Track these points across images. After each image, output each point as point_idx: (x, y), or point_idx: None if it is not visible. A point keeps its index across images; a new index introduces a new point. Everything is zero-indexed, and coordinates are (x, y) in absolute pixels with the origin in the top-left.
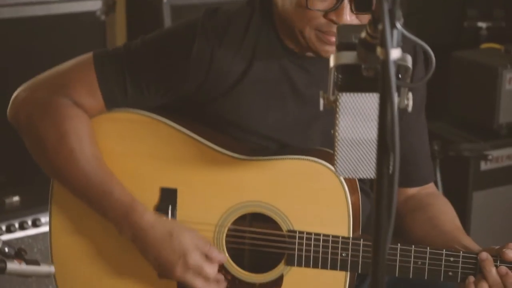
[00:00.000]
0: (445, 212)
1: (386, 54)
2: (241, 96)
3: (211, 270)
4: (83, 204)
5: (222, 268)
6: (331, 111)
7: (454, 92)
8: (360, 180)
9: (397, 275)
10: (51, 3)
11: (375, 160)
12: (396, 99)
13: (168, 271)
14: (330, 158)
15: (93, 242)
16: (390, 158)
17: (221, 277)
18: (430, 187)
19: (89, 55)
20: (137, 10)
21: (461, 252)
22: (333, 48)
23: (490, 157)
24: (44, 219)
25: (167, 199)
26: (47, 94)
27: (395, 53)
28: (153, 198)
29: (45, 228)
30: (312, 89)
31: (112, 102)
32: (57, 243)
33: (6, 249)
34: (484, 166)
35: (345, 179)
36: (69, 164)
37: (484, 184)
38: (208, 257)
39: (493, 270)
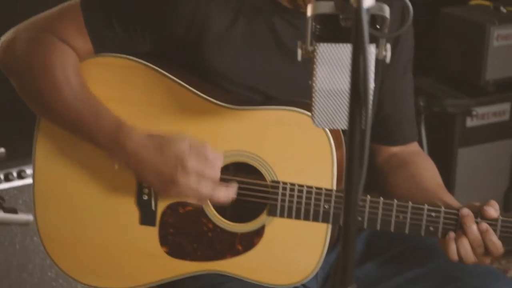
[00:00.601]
0: (427, 169)
1: (359, 1)
2: (227, 48)
3: (213, 171)
4: (67, 147)
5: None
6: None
7: (442, 48)
8: (345, 134)
9: (378, 228)
10: None
11: None
12: (373, 49)
13: (170, 185)
14: None
15: (75, 187)
16: (362, 108)
17: (232, 183)
18: (413, 146)
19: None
20: None
21: (443, 207)
22: None
23: (474, 113)
24: (29, 170)
25: None
26: (33, 32)
27: (368, 1)
28: None
29: (30, 180)
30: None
31: (100, 46)
32: (39, 188)
33: None
34: (470, 122)
35: (331, 132)
36: (55, 94)
37: (469, 141)
38: (207, 159)
39: (474, 226)
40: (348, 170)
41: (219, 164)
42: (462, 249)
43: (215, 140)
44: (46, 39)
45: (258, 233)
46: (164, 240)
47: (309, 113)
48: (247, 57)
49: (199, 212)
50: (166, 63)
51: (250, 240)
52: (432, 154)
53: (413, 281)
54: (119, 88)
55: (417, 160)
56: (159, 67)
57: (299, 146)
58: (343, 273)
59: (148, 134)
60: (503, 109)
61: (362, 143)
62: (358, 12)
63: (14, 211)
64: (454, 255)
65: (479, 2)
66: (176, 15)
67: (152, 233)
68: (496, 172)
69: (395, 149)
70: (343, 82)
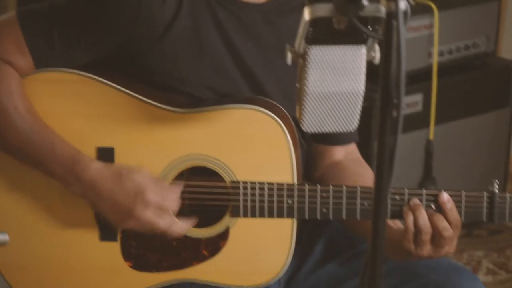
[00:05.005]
0: (362, 177)
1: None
2: (171, 46)
3: (172, 203)
4: (19, 173)
5: None
6: (265, 61)
7: None
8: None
9: (344, 217)
10: None
11: (343, 114)
12: (364, 50)
13: (127, 216)
14: (270, 106)
15: (31, 212)
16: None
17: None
18: (356, 152)
19: (11, 14)
20: None
21: (406, 189)
22: None
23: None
24: None
25: (104, 159)
26: None
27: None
28: None
29: None
30: (243, 38)
31: (41, 61)
32: None
33: None
34: None
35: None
36: (4, 124)
37: None
38: (165, 191)
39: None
40: (377, 170)
41: (177, 196)
42: (420, 218)
43: (170, 146)
44: None
45: (223, 236)
46: (127, 254)
47: (262, 109)
48: (193, 54)
49: None
50: (109, 73)
51: (216, 244)
52: None
53: None
54: (66, 103)
55: (365, 173)
56: (104, 78)
57: (255, 144)
58: (372, 283)
59: (106, 164)
60: (416, 100)
61: (393, 143)
62: (391, 15)
63: None
64: (410, 225)
65: None
66: (118, 21)
67: (114, 248)
68: (411, 162)
69: (338, 154)
70: (336, 85)
